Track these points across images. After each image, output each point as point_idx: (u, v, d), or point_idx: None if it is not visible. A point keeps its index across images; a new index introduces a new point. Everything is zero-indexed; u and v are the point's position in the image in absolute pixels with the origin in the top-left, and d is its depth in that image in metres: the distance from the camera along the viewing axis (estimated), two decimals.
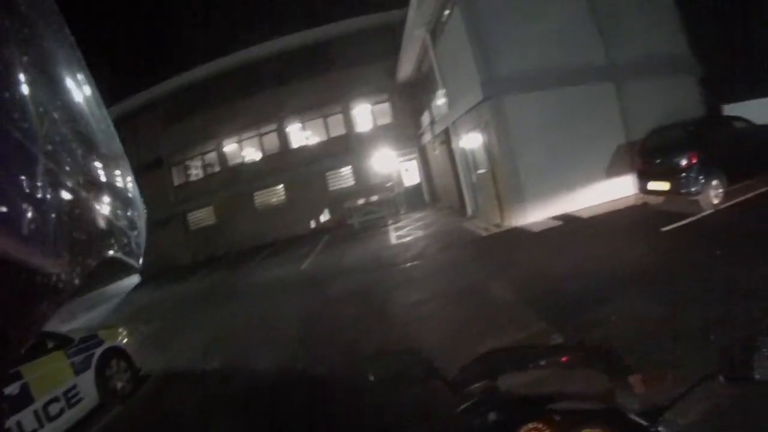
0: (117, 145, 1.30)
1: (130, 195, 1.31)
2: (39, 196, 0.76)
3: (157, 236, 28.62)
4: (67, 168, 0.90)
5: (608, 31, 14.40)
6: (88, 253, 0.95)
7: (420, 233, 17.32)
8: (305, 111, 27.77)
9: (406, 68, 24.01)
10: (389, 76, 26.04)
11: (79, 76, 1.12)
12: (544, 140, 13.54)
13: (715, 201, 10.96)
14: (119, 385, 7.99)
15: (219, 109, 28.20)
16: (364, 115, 28.11)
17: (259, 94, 27.72)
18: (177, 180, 30.32)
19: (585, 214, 13.00)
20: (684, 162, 11.12)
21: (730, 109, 15.34)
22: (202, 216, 29.98)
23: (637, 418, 1.44)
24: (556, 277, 8.37)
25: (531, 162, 13.50)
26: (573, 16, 14.19)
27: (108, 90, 27.97)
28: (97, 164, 1.11)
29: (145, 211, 1.43)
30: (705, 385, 1.44)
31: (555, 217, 13.34)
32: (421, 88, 24.20)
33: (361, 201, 23.83)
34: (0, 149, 0.69)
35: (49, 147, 0.82)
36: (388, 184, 25.58)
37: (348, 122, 27.80)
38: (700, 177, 10.92)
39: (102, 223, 1.05)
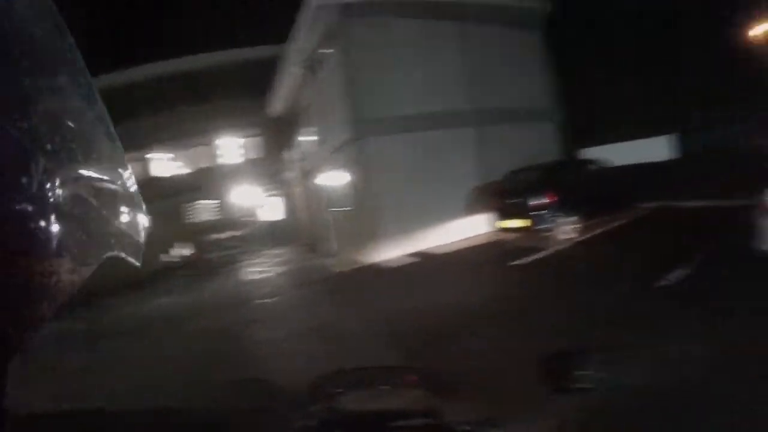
0: (117, 145, 1.23)
1: (130, 194, 1.26)
2: (39, 196, 0.75)
3: None
4: (67, 168, 0.88)
5: (476, 80, 15.13)
6: (89, 253, 0.94)
7: (280, 269, 16.82)
8: (173, 140, 26.64)
9: (279, 103, 23.67)
10: (262, 111, 25.49)
11: (79, 76, 1.06)
12: (406, 180, 13.66)
13: (569, 236, 11.39)
14: None
15: None
16: (234, 148, 27.40)
17: (128, 121, 25.97)
18: None
19: (441, 251, 13.10)
20: (540, 201, 11.43)
21: (586, 153, 16.07)
22: None
23: (463, 427, 1.51)
24: (407, 312, 8.18)
25: (392, 201, 13.48)
26: (444, 65, 14.78)
27: None
28: (97, 164, 1.08)
29: (146, 210, 1.36)
30: (534, 397, 1.55)
31: (412, 254, 13.30)
32: (292, 125, 23.99)
33: (223, 235, 23.20)
34: (0, 149, 0.69)
35: (49, 147, 0.81)
36: (252, 219, 25.09)
37: (217, 154, 26.99)
38: (554, 215, 11.29)
39: (102, 223, 1.04)
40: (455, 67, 14.93)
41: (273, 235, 25.78)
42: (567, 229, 11.44)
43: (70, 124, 0.96)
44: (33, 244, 0.73)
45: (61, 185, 0.83)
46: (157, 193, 25.59)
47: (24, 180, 0.72)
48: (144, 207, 1.38)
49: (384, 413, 1.72)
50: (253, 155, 27.11)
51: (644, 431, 3.90)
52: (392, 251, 13.33)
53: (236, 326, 9.95)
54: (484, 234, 13.76)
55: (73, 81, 1.06)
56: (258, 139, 27.25)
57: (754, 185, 7.48)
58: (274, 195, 27.31)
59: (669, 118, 18.62)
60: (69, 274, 0.82)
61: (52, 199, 0.79)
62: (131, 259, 1.17)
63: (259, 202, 26.35)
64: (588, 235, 11.54)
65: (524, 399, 1.62)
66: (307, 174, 20.24)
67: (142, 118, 25.88)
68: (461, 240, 13.77)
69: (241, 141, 27.20)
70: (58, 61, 1.00)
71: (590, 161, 13.37)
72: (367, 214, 13.61)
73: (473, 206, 14.27)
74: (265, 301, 11.82)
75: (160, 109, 26.15)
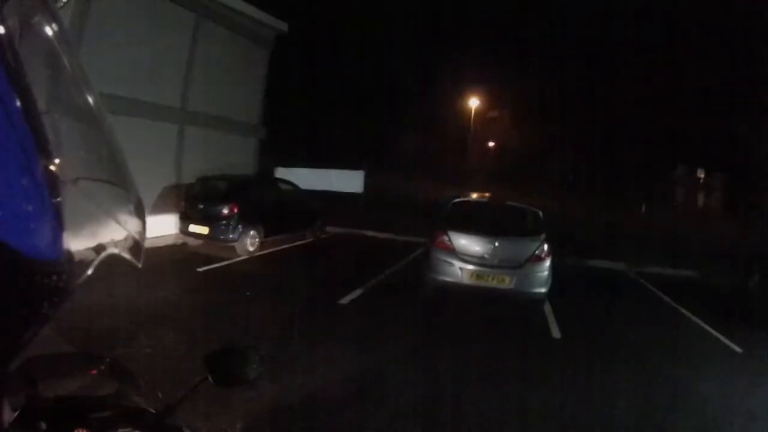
0: (117, 145, 1.22)
1: (130, 194, 1.26)
2: (39, 195, 0.74)
3: None
4: (68, 167, 0.87)
5: (193, 79, 14.67)
6: (89, 252, 0.93)
7: None
8: None
9: None
10: None
11: (79, 75, 1.07)
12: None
13: (251, 249, 12.07)
14: None
15: None
16: None
17: None
18: None
19: None
20: (225, 210, 11.81)
21: (281, 172, 16.84)
22: None
23: (155, 414, 1.68)
24: (87, 312, 7.63)
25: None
26: (168, 55, 14.04)
27: None
28: (98, 164, 1.11)
29: (146, 209, 1.29)
30: (198, 387, 1.77)
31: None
32: None
33: None
34: (0, 149, 0.69)
35: (49, 146, 0.80)
36: None
37: None
38: (239, 226, 11.80)
39: (103, 222, 1.03)
40: (179, 59, 14.34)
41: None
42: (249, 242, 12.04)
43: (70, 123, 0.98)
44: (33, 244, 0.71)
45: (61, 185, 0.82)
46: None
47: (24, 180, 0.71)
48: (144, 207, 1.34)
49: (80, 399, 1.76)
50: None
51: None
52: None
53: None
54: (169, 236, 13.50)
55: (73, 80, 1.06)
56: None
57: (430, 225, 9.31)
58: None
59: (361, 154, 20.58)
60: (69, 274, 0.81)
61: (52, 199, 0.77)
62: (131, 259, 1.17)
63: None
64: (271, 250, 12.37)
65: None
66: None
67: None
68: (147, 239, 13.12)
69: None
70: (59, 60, 1.00)
71: (281, 181, 14.24)
72: None
73: (163, 205, 13.80)
74: None
75: None
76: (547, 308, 8.39)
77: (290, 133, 18.59)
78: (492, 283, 8.11)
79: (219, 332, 6.79)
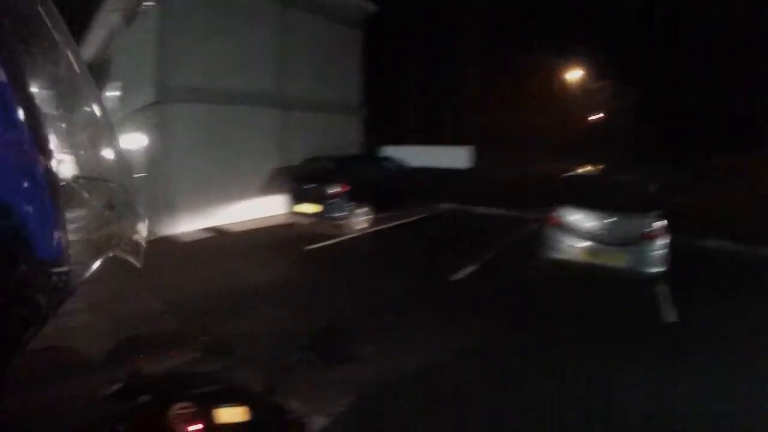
0: (118, 145, 1.24)
1: (130, 195, 1.26)
2: (40, 196, 0.74)
3: None
4: (69, 168, 0.90)
5: (289, 63, 15.05)
6: (89, 253, 0.95)
7: None
8: None
9: (87, 51, 21.52)
10: None
11: (80, 76, 1.07)
12: (206, 152, 13.31)
13: (360, 227, 12.01)
14: None
15: None
16: None
17: None
18: None
19: (236, 229, 13.04)
20: (333, 190, 11.78)
21: (389, 151, 16.76)
22: None
23: (257, 390, 1.69)
24: (199, 289, 8.06)
25: (188, 171, 13.08)
26: (261, 43, 14.49)
27: None
28: (99, 164, 1.09)
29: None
30: (301, 364, 1.90)
31: (207, 229, 13.07)
32: (97, 75, 21.73)
33: None
34: (0, 149, 0.69)
35: (50, 147, 0.80)
36: None
37: None
38: (347, 204, 11.76)
39: (103, 223, 1.05)
40: (272, 46, 14.78)
41: None
42: (359, 220, 12.01)
43: (71, 124, 0.98)
44: (33, 244, 0.71)
45: (62, 185, 0.82)
46: None
47: (24, 180, 0.71)
48: (144, 209, 1.36)
49: (183, 375, 1.84)
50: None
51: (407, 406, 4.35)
52: (186, 224, 12.95)
53: None
54: (279, 216, 13.82)
55: (75, 81, 1.05)
56: None
57: (542, 200, 8.79)
58: None
59: (470, 131, 20.10)
60: (69, 274, 0.81)
61: (52, 199, 0.77)
62: (131, 260, 1.18)
63: None
64: (380, 228, 12.23)
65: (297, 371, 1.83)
66: None
67: None
68: (256, 219, 13.75)
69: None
70: (60, 61, 0.99)
71: (389, 159, 14.10)
72: (162, 183, 13.06)
73: (271, 187, 14.33)
74: None
75: None
76: (663, 289, 7.69)
77: (397, 111, 18.41)
78: (606, 261, 7.57)
79: (329, 310, 6.76)
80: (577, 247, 7.70)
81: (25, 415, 1.36)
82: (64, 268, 0.81)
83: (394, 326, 6.12)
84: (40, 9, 0.93)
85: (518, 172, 19.45)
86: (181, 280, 8.75)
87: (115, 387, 1.68)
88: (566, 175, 8.85)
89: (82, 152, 1.00)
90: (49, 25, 0.96)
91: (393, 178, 13.41)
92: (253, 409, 1.65)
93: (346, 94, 17.16)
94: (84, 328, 7.09)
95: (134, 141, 14.91)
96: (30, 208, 0.72)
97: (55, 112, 0.92)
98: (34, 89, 0.80)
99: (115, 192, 1.15)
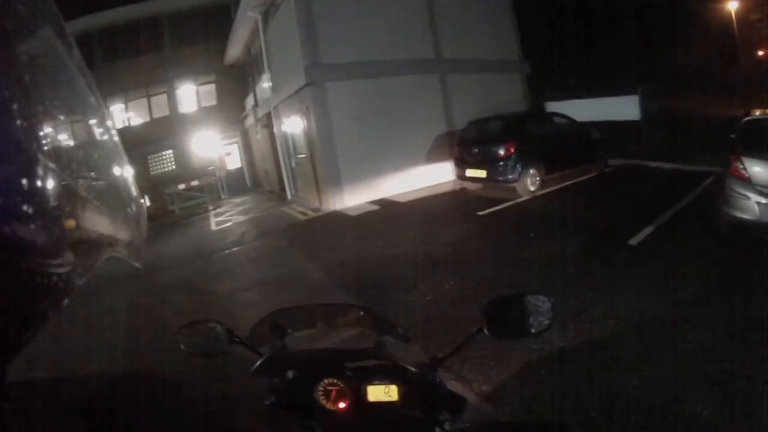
0: (117, 145, 1.05)
1: (130, 195, 1.07)
2: (40, 196, 0.73)
3: None
4: (68, 168, 0.91)
5: (440, 27, 14.52)
6: (89, 253, 0.96)
7: (241, 218, 16.07)
8: (128, 90, 25.10)
9: (235, 50, 22.58)
10: (217, 58, 24.28)
11: (80, 78, 0.94)
12: (366, 126, 13.12)
13: (532, 188, 11.10)
14: None
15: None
16: (189, 96, 26.09)
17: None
18: None
19: (404, 199, 12.71)
20: (502, 151, 11.05)
21: (554, 107, 15.66)
22: None
23: (413, 369, 1.52)
24: (372, 261, 7.82)
25: (350, 147, 12.96)
26: (406, 11, 14.07)
27: None
28: (98, 165, 0.99)
29: (146, 213, 1.07)
30: (472, 339, 1.58)
31: (373, 202, 12.88)
32: (247, 71, 22.98)
33: (181, 186, 22.12)
34: (1, 149, 0.67)
35: (50, 147, 0.81)
36: (210, 169, 24.02)
37: (172, 103, 25.61)
38: (518, 165, 10.94)
39: (103, 223, 1.06)
40: (420, 11, 14.33)
41: (231, 184, 24.93)
42: (530, 181, 11.11)
43: (71, 124, 0.99)
44: (33, 244, 0.70)
45: (62, 186, 0.80)
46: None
47: (24, 180, 0.69)
48: (144, 209, 1.38)
49: (329, 353, 1.77)
50: (208, 103, 25.96)
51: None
52: (352, 198, 12.87)
53: (198, 278, 9.44)
54: (446, 183, 13.41)
55: (74, 81, 1.09)
56: (214, 87, 26.01)
57: (722, 150, 7.39)
58: (232, 143, 26.36)
59: (635, 77, 18.38)
60: (69, 274, 0.80)
61: (52, 199, 0.75)
62: (130, 260, 1.18)
63: (218, 151, 25.29)
64: (552, 188, 11.32)
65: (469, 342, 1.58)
66: (263, 121, 19.50)
67: (95, 67, 24.54)
68: (423, 188, 13.35)
69: (198, 89, 25.95)
70: (59, 60, 1.01)
71: (557, 115, 12.94)
72: (325, 161, 13.07)
73: (437, 154, 13.89)
74: (229, 251, 11.25)
75: (113, 57, 24.60)
76: None
77: (558, 65, 17.21)
78: None
79: (503, 278, 6.19)
80: (763, 204, 6.27)
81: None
82: (65, 268, 0.78)
83: (571, 297, 5.31)
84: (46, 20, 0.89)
85: (690, 119, 17.53)
86: (351, 255, 8.55)
87: (263, 360, 1.65)
88: (747, 119, 7.36)
89: (83, 153, 1.02)
90: (50, 23, 0.91)
91: (562, 135, 12.28)
92: (407, 387, 1.55)
93: (503, 50, 16.36)
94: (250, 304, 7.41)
95: (292, 125, 15.11)
96: (30, 209, 0.69)
97: (55, 113, 0.87)
98: (34, 89, 0.77)
99: (116, 192, 1.15)
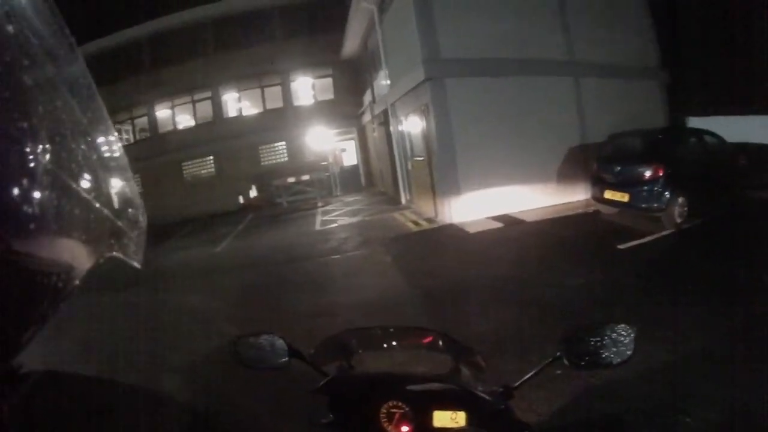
0: (117, 145, 1.23)
1: (130, 195, 1.26)
2: (39, 196, 0.74)
3: None
4: (68, 168, 0.88)
5: (574, 27, 12.91)
6: (89, 253, 0.94)
7: (347, 220, 15.17)
8: (242, 80, 25.24)
9: (351, 43, 21.89)
10: (333, 51, 23.61)
11: (79, 77, 1.10)
12: (489, 130, 11.74)
13: (678, 220, 9.21)
14: None
15: (152, 73, 25.34)
16: (304, 89, 25.78)
17: (196, 59, 24.97)
18: None
19: (529, 218, 11.16)
20: (648, 173, 9.30)
21: (695, 122, 13.79)
22: None
23: (485, 396, 1.49)
24: (489, 303, 6.34)
25: (472, 153, 11.61)
26: (537, 6, 12.65)
27: None
28: (98, 165, 1.09)
29: (145, 211, 1.33)
30: (548, 368, 1.52)
31: (495, 217, 11.46)
32: (364, 66, 22.14)
33: (291, 179, 21.96)
34: (0, 149, 0.69)
35: (50, 147, 0.81)
36: (322, 164, 23.59)
37: (286, 95, 25.38)
38: (666, 192, 9.13)
39: (102, 224, 1.03)
40: (550, 5, 12.83)
41: (344, 181, 24.40)
42: (677, 212, 9.20)
43: (71, 124, 0.94)
44: (33, 243, 0.70)
45: (62, 186, 0.81)
46: (230, 133, 24.63)
47: (24, 180, 0.70)
48: (143, 208, 1.29)
49: (395, 375, 1.70)
50: (324, 97, 25.45)
51: None
52: (471, 211, 11.57)
53: (277, 287, 8.71)
54: (577, 202, 11.81)
55: (74, 80, 1.03)
56: (329, 81, 25.51)
57: None
58: (345, 140, 25.70)
59: None
60: (69, 274, 0.81)
61: (52, 199, 0.76)
62: (131, 261, 1.13)
63: (330, 147, 24.80)
64: (702, 221, 9.25)
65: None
66: (380, 118, 18.52)
67: (215, 55, 24.96)
68: (551, 207, 11.79)
69: (314, 82, 25.58)
70: (59, 60, 0.97)
71: (707, 132, 10.88)
72: (443, 166, 11.80)
73: (567, 169, 12.29)
74: (324, 259, 10.34)
75: (227, 46, 24.94)
76: None
77: (702, 74, 15.20)
78: None
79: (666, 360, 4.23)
80: None
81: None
82: (65, 268, 0.79)
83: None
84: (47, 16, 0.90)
85: None
86: (466, 286, 7.25)
87: (328, 379, 1.62)
88: None
89: (82, 153, 0.94)
90: (51, 27, 0.91)
91: (714, 158, 10.18)
92: (476, 415, 1.49)
93: (640, 55, 14.46)
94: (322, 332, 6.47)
95: (409, 124, 14.23)
96: (30, 209, 0.68)
97: (56, 115, 0.85)
98: (34, 90, 0.77)
99: (116, 192, 1.09)
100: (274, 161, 25.37)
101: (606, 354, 1.48)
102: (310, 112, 24.68)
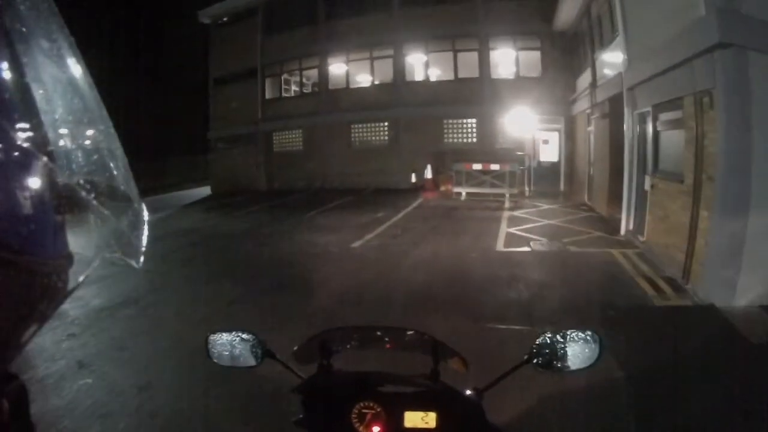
0: (117, 145, 1.12)
1: (130, 195, 1.15)
2: (39, 196, 0.76)
3: (234, 153, 25.68)
4: (68, 168, 0.89)
5: None
6: (88, 253, 0.94)
7: (542, 246, 10.52)
8: (432, 40, 21.69)
9: (568, 11, 17.34)
10: (544, 19, 19.24)
11: (80, 77, 1.01)
12: None
13: None
14: None
15: (329, 24, 23.05)
16: (505, 60, 21.52)
17: (378, 11, 22.10)
18: (270, 93, 25.61)
19: None
20: None
21: None
22: (289, 139, 25.20)
23: (456, 397, 1.53)
24: None
25: None
26: None
27: None
28: (98, 164, 1.03)
29: (146, 211, 1.17)
30: (517, 370, 1.57)
31: None
32: (583, 41, 17.19)
33: (477, 166, 17.96)
34: (0, 149, 0.70)
35: (49, 147, 0.82)
36: (518, 154, 19.13)
37: (483, 65, 21.31)
38: None
39: (102, 223, 0.98)
40: None
41: (538, 180, 19.92)
42: None
43: (71, 124, 0.95)
44: (33, 244, 0.71)
45: (61, 185, 0.82)
46: (411, 100, 21.55)
47: (24, 180, 0.72)
48: (144, 208, 1.16)
49: (368, 375, 1.69)
50: (528, 74, 21.01)
51: None
52: (755, 287, 6.49)
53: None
54: None
55: (74, 81, 0.99)
56: (536, 55, 21.00)
57: None
58: (549, 129, 20.75)
59: None
60: (69, 274, 0.80)
61: (51, 199, 0.78)
62: (130, 261, 1.06)
63: (531, 135, 20.40)
64: None
65: None
66: (603, 108, 13.67)
67: (401, 9, 21.87)
68: None
69: (516, 54, 21.24)
70: (59, 60, 0.94)
71: None
72: (730, 202, 6.71)
73: None
74: (512, 329, 5.99)
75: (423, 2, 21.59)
76: None
77: None
78: None
79: None
80: None
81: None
82: (64, 268, 0.78)
83: None
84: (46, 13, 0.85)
85: None
86: None
87: (307, 380, 1.64)
88: None
89: (82, 152, 0.93)
90: (50, 21, 0.87)
91: None
92: (447, 415, 1.50)
93: None
94: None
95: (658, 120, 9.47)
96: (30, 208, 0.70)
97: (54, 112, 0.84)
98: (33, 87, 0.77)
99: (116, 191, 1.02)
100: (459, 140, 21.73)
101: (572, 358, 1.52)
102: (510, 88, 20.33)
